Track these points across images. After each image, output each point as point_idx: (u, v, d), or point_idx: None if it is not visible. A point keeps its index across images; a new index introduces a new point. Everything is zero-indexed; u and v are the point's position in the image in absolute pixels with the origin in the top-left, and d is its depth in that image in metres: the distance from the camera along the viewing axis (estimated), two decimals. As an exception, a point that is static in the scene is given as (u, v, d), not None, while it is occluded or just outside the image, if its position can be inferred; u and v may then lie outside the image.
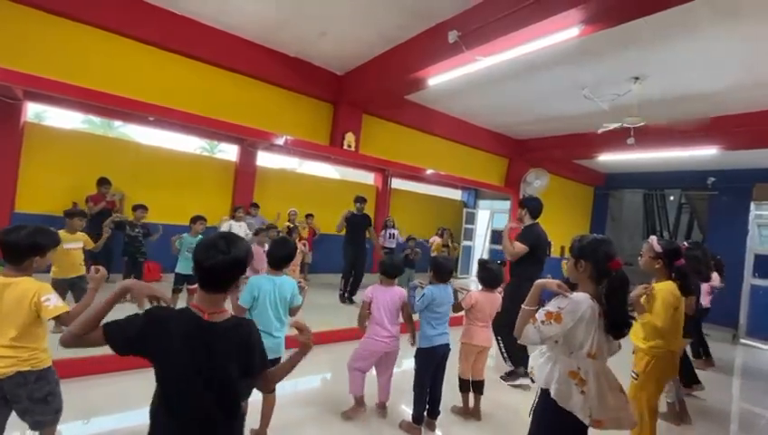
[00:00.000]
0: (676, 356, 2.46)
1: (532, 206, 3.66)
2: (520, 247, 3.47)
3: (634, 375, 2.35)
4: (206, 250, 1.17)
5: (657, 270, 2.36)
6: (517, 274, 3.60)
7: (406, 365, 2.67)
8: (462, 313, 2.88)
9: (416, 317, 2.71)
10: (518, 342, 1.65)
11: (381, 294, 2.65)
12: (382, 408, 2.80)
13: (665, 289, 2.26)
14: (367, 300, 2.64)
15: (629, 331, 1.59)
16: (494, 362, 3.48)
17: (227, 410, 1.20)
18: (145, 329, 1.12)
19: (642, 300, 2.31)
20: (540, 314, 1.58)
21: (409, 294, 2.60)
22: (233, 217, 5.86)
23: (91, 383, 2.78)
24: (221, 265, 1.16)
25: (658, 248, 2.33)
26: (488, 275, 2.90)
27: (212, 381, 1.15)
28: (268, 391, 1.32)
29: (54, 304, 1.64)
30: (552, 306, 1.58)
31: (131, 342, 1.12)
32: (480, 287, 2.95)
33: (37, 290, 1.64)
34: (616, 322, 1.55)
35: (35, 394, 1.64)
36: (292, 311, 2.29)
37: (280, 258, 2.26)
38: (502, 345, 3.64)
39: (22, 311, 1.61)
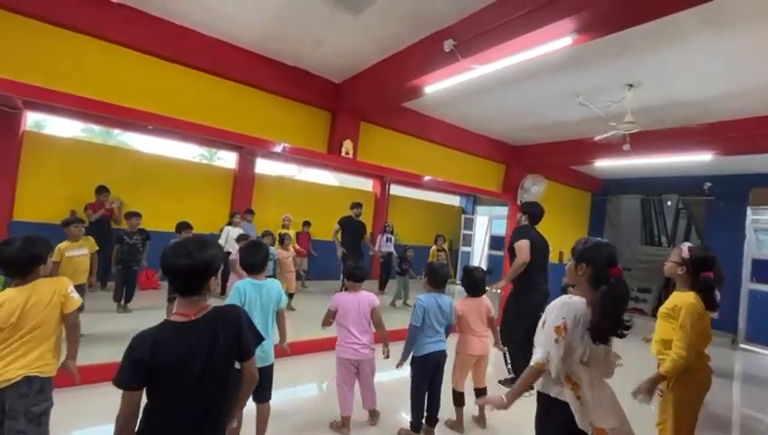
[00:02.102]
0: (706, 368, 2.18)
1: (532, 212, 3.62)
2: (524, 244, 3.41)
3: (660, 392, 2.14)
4: (172, 255, 1.20)
5: (679, 277, 2.19)
6: (517, 281, 3.55)
7: (405, 372, 2.66)
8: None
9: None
10: (552, 374, 1.55)
11: (347, 300, 2.58)
12: (372, 416, 2.76)
13: (686, 301, 2.07)
14: (332, 308, 2.57)
15: (611, 338, 1.54)
16: (492, 369, 3.46)
17: (213, 408, 1.23)
18: (132, 358, 1.15)
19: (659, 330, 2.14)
20: (551, 333, 1.54)
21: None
22: (230, 223, 5.87)
23: (89, 393, 2.76)
24: (188, 268, 1.19)
25: (686, 255, 2.16)
26: (471, 283, 2.83)
27: (199, 373, 1.18)
28: (250, 379, 1.35)
29: (76, 296, 1.74)
30: (555, 321, 1.54)
31: (132, 376, 1.15)
32: (465, 295, 2.89)
33: (64, 283, 1.72)
34: (604, 327, 1.50)
35: (33, 409, 1.62)
36: (279, 312, 2.25)
37: (251, 265, 2.20)
38: (507, 355, 3.61)
39: (48, 309, 1.65)
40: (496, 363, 3.74)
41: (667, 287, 9.36)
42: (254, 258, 2.21)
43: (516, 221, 3.74)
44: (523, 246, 3.44)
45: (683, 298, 2.10)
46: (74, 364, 1.83)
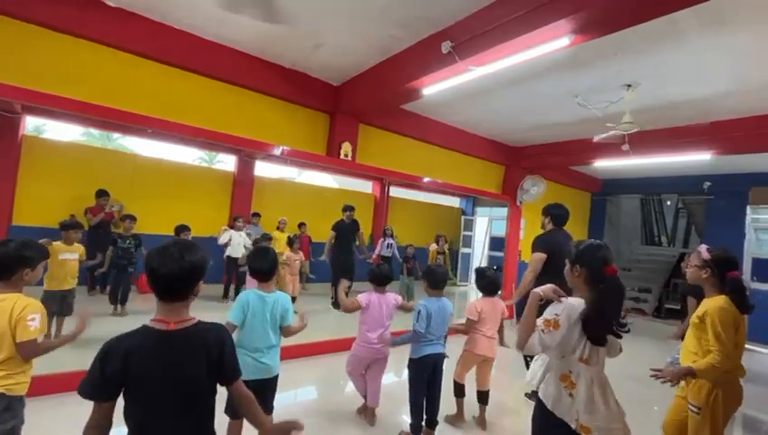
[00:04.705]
0: (739, 382, 2.07)
1: (556, 214, 3.41)
2: (537, 257, 3.21)
3: (694, 409, 2.00)
4: (159, 258, 1.12)
5: (704, 281, 2.06)
6: (537, 284, 3.41)
7: (406, 374, 2.65)
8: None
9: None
10: (522, 353, 1.62)
11: (377, 302, 2.68)
12: (371, 415, 2.80)
13: (715, 305, 1.94)
14: (363, 303, 2.66)
15: (608, 339, 1.54)
16: (495, 372, 3.44)
17: (197, 419, 1.18)
18: (103, 366, 1.07)
19: (689, 330, 2.03)
20: (539, 323, 1.56)
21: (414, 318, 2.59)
22: (232, 227, 5.87)
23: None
24: (176, 273, 1.11)
25: (707, 256, 2.04)
26: (486, 283, 2.90)
27: (179, 389, 1.12)
28: (236, 416, 1.30)
29: (36, 325, 1.58)
30: (548, 314, 1.57)
31: (102, 387, 1.07)
32: (480, 295, 2.95)
33: (26, 306, 1.59)
34: (599, 327, 1.51)
35: None
36: (284, 330, 2.17)
37: (259, 270, 2.13)
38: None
39: (4, 328, 1.55)
40: (500, 366, 3.72)
41: (668, 287, 9.35)
42: (262, 264, 2.13)
43: (541, 226, 3.52)
44: (535, 259, 3.22)
45: (713, 303, 1.97)
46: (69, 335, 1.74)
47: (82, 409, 1.08)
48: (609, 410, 1.54)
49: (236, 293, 5.45)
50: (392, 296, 2.79)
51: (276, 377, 2.17)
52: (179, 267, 1.12)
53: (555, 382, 1.57)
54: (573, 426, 1.52)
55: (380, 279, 2.75)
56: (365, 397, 2.80)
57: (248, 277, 4.51)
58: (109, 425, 1.09)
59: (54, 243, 3.41)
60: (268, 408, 2.18)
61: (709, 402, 1.95)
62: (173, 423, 1.13)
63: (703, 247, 2.11)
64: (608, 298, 1.51)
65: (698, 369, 1.92)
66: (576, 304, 1.57)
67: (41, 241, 2.22)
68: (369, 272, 2.80)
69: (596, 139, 5.18)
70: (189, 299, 1.19)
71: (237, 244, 5.64)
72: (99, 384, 1.06)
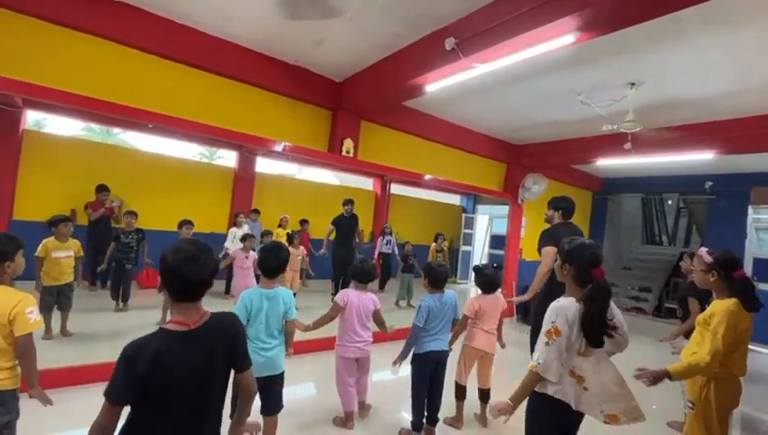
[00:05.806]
0: (739, 381, 2.06)
1: (564, 207, 3.38)
2: (549, 251, 3.13)
3: (690, 405, 2.02)
4: (185, 265, 1.13)
5: (713, 284, 2.03)
6: (546, 284, 3.27)
7: (406, 371, 2.65)
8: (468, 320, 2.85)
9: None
10: (551, 380, 1.58)
11: (356, 299, 2.63)
12: (363, 408, 2.82)
13: (724, 307, 1.94)
14: (341, 304, 2.60)
15: (605, 340, 1.56)
16: (495, 371, 3.44)
17: (212, 420, 1.21)
18: (128, 373, 1.07)
19: (698, 320, 2.02)
20: (542, 338, 1.58)
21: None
22: (234, 224, 5.87)
23: (86, 392, 2.75)
24: (198, 279, 1.15)
25: (709, 259, 2.01)
26: (485, 281, 2.89)
27: (200, 389, 1.16)
28: (247, 396, 1.33)
29: (35, 318, 1.57)
30: (546, 325, 1.59)
31: (125, 393, 1.08)
32: (479, 292, 2.95)
33: (21, 299, 1.56)
34: (591, 329, 1.53)
35: None
36: (288, 325, 2.19)
37: (269, 268, 2.15)
38: None
39: None
40: (499, 365, 3.72)
41: (668, 286, 9.35)
42: (274, 262, 2.15)
43: (547, 219, 3.48)
44: (547, 253, 3.16)
45: (721, 305, 1.96)
46: (39, 390, 1.64)
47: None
48: (622, 390, 1.56)
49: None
50: (372, 297, 2.71)
51: (282, 374, 2.19)
52: (201, 273, 1.15)
53: (569, 381, 1.57)
54: (601, 419, 1.53)
55: (363, 276, 2.68)
56: (348, 414, 2.68)
57: (235, 270, 4.59)
58: (115, 426, 1.11)
59: (46, 241, 3.42)
60: (278, 404, 2.21)
61: (701, 397, 1.97)
62: (185, 421, 1.16)
63: (703, 251, 2.08)
64: (594, 300, 1.53)
65: (674, 371, 1.87)
66: (566, 303, 1.59)
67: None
68: (351, 268, 2.72)
69: (603, 128, 5.10)
70: (203, 296, 1.23)
71: (239, 240, 5.64)
72: (125, 388, 1.07)
